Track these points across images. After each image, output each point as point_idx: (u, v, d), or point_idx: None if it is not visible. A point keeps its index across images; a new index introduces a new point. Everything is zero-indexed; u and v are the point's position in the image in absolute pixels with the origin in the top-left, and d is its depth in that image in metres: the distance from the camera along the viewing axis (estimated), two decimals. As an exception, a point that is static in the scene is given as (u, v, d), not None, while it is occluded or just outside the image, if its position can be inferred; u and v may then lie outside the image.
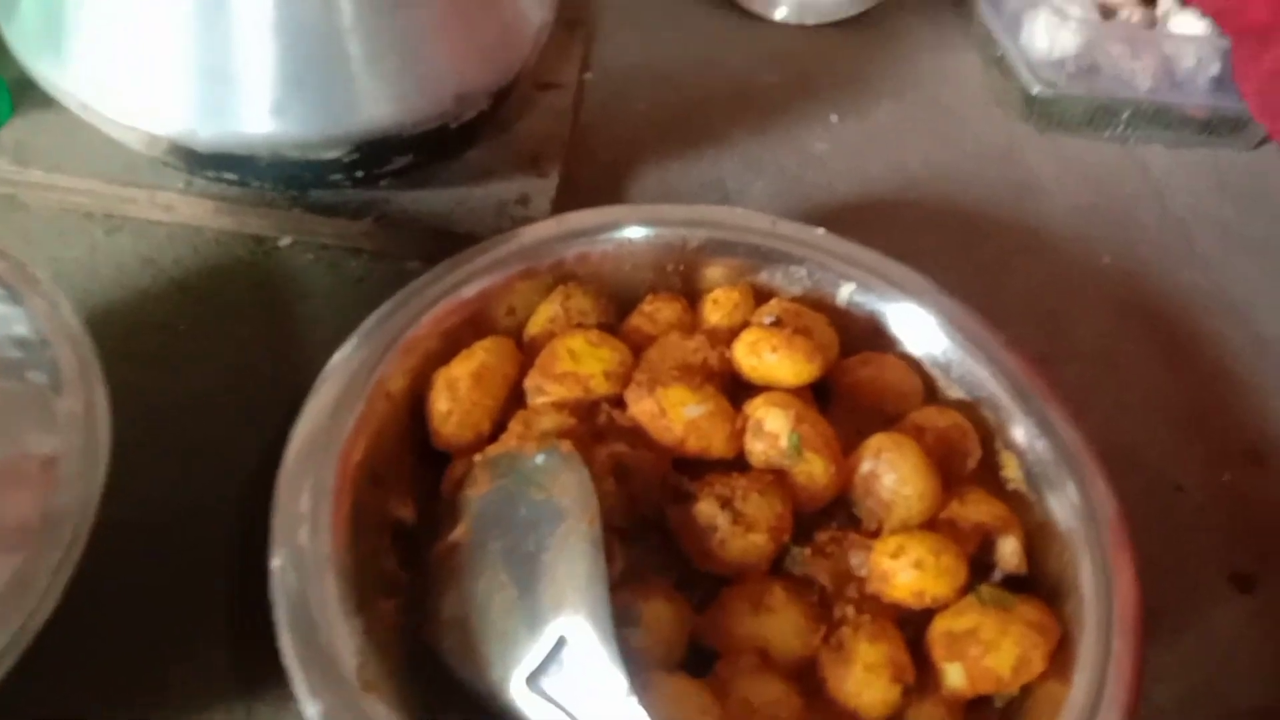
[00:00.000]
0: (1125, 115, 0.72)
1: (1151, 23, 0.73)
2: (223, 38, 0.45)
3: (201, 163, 0.50)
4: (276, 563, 0.37)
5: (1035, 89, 0.70)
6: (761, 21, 0.79)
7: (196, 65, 0.46)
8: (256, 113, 0.46)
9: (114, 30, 0.46)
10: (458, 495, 0.42)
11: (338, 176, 0.52)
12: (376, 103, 0.47)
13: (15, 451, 0.34)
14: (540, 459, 0.40)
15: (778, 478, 0.41)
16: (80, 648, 0.40)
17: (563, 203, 0.60)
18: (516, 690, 0.35)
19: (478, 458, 0.42)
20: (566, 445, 0.40)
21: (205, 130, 0.46)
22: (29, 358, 0.36)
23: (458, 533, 0.40)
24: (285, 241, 0.57)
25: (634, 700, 0.33)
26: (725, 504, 0.39)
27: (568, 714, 0.34)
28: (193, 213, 0.57)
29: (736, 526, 0.39)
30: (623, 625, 0.36)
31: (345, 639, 0.35)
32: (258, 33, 0.45)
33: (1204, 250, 0.67)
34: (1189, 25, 0.71)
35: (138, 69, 0.46)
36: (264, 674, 0.42)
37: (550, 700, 0.35)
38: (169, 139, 0.47)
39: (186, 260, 0.56)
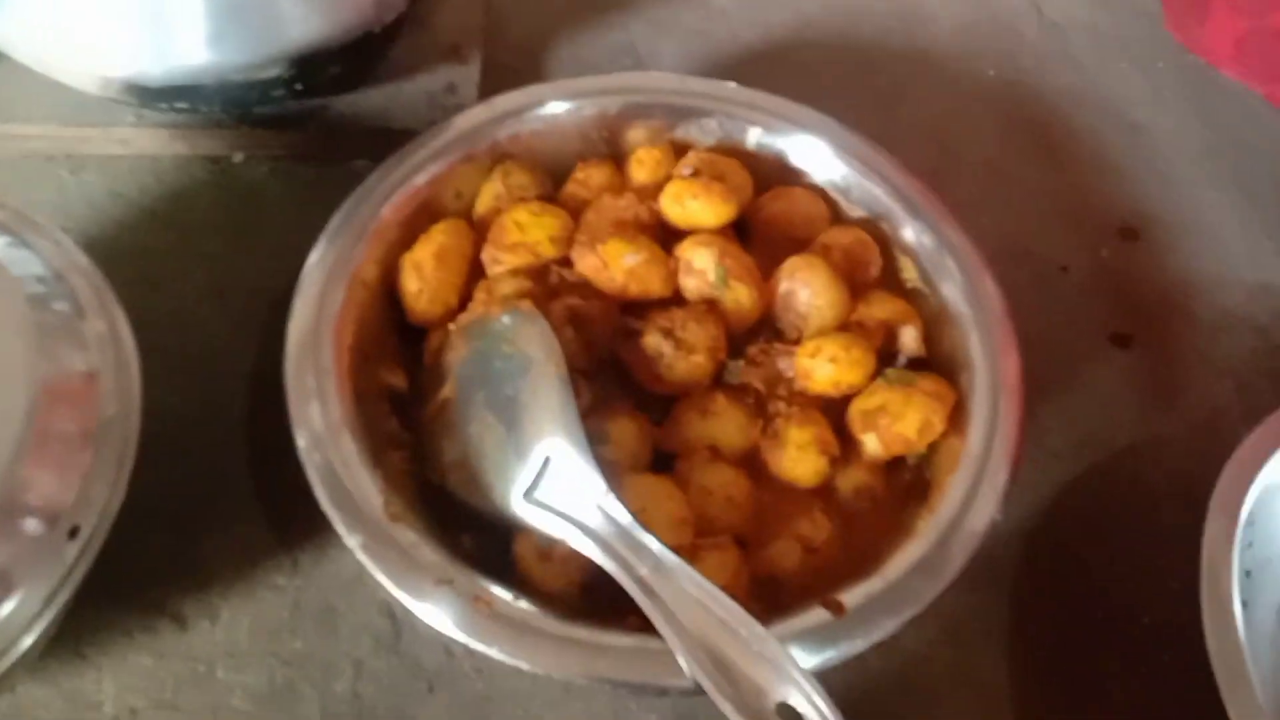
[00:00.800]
0: (999, -67, 0.76)
1: None
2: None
3: (153, 96, 0.54)
4: (299, 430, 0.44)
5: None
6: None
7: (138, 9, 0.50)
8: (198, 45, 0.50)
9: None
10: (440, 361, 0.48)
11: (279, 92, 0.56)
12: (305, 20, 0.52)
13: (60, 370, 0.39)
14: (506, 319, 0.47)
15: (710, 306, 0.48)
16: (136, 537, 0.45)
17: (487, 85, 0.64)
18: (517, 504, 0.42)
19: (452, 326, 0.49)
20: (526, 304, 0.46)
21: (154, 68, 0.51)
22: (50, 291, 0.42)
23: (445, 392, 0.47)
24: (239, 158, 0.62)
25: (611, 497, 0.41)
26: (667, 334, 0.46)
27: (561, 515, 0.42)
28: (148, 143, 0.61)
29: (679, 351, 0.46)
30: (595, 443, 0.43)
31: (368, 484, 0.42)
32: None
33: (1078, 52, 0.73)
34: None
35: (85, 19, 0.50)
36: (299, 529, 0.49)
37: (545, 507, 0.42)
38: (122, 80, 0.51)
39: (151, 188, 0.61)
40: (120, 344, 0.42)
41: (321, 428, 0.44)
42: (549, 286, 0.50)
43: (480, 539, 0.44)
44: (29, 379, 0.38)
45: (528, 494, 0.42)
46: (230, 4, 0.50)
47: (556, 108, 0.56)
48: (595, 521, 0.41)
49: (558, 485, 0.42)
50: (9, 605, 0.36)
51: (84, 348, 0.41)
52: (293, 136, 0.61)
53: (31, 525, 0.37)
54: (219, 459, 0.51)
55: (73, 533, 0.37)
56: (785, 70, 0.70)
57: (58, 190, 0.60)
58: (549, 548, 0.42)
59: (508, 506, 0.43)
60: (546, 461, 0.43)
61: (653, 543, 0.40)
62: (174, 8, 0.49)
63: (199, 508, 0.50)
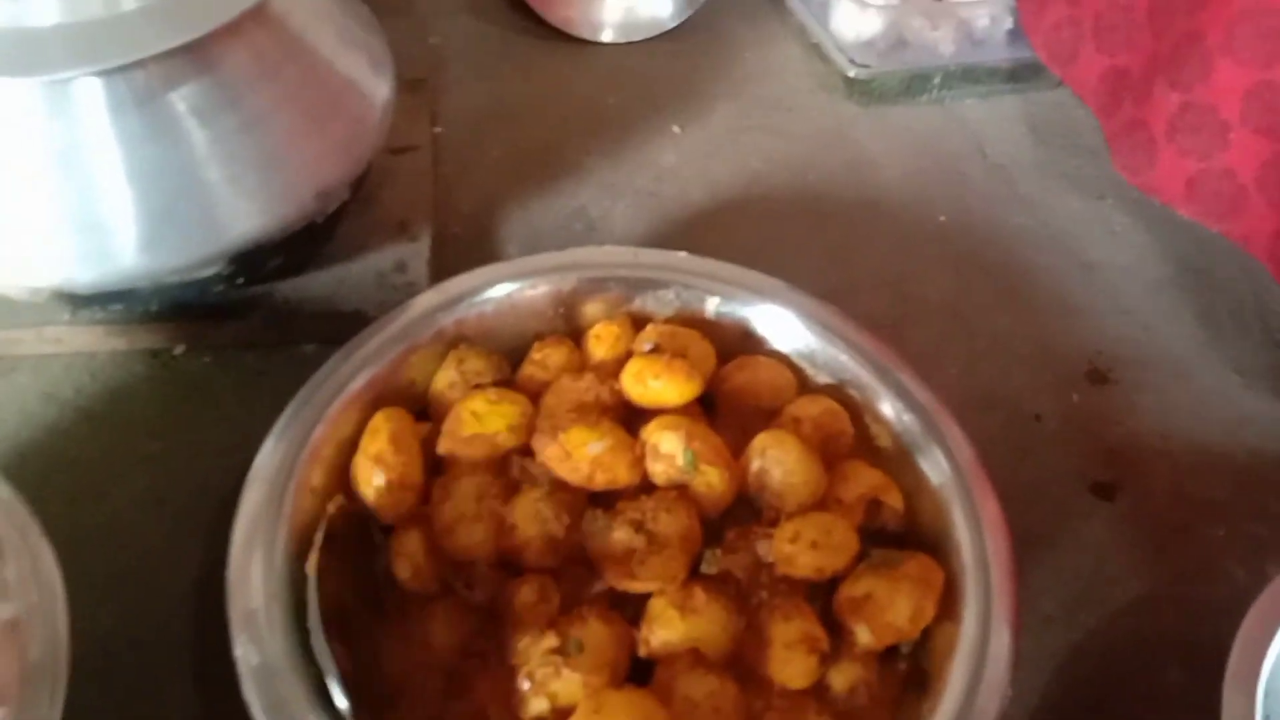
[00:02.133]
0: (937, 80, 0.78)
1: (944, -6, 0.79)
2: (84, 190, 0.47)
3: (86, 301, 0.52)
4: (245, 663, 0.40)
5: (851, 72, 0.76)
6: (590, 45, 0.83)
7: (64, 218, 0.48)
8: (130, 251, 0.48)
9: (-22, 197, 0.48)
10: None
11: (219, 288, 0.55)
12: (243, 218, 0.50)
13: (-23, 623, 0.36)
14: None
15: (681, 493, 0.46)
16: None
17: (438, 261, 0.63)
18: None
19: None
20: None
21: (83, 275, 0.48)
22: (-34, 532, 0.39)
23: None
24: (179, 350, 0.60)
25: None
26: (638, 527, 0.44)
27: None
28: (83, 341, 0.59)
29: (652, 546, 0.43)
30: (568, 653, 0.40)
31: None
32: (116, 180, 0.47)
33: (1026, 191, 0.74)
34: (978, -9, 0.77)
35: (8, 229, 0.48)
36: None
37: None
38: (50, 288, 0.49)
39: (86, 388, 0.58)
40: (44, 583, 0.39)
41: (272, 658, 0.40)
42: (511, 480, 0.47)
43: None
44: (-61, 641, 0.35)
45: None
46: (162, 208, 0.48)
47: (509, 288, 0.55)
48: None
49: None
50: None
51: (4, 595, 0.37)
52: (236, 326, 0.59)
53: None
54: (161, 683, 0.48)
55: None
56: (737, 227, 0.69)
57: (-14, 397, 0.57)
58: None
59: None
60: None
61: None
62: (103, 215, 0.47)
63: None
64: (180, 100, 0.48)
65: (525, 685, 0.41)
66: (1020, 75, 0.80)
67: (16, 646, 0.36)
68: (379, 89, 0.57)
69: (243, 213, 0.50)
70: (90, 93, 0.47)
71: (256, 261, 0.53)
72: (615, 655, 0.42)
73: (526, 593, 0.44)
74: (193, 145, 0.48)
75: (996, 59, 0.79)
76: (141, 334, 0.59)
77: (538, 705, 0.41)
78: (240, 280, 0.54)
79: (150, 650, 0.48)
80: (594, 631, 0.42)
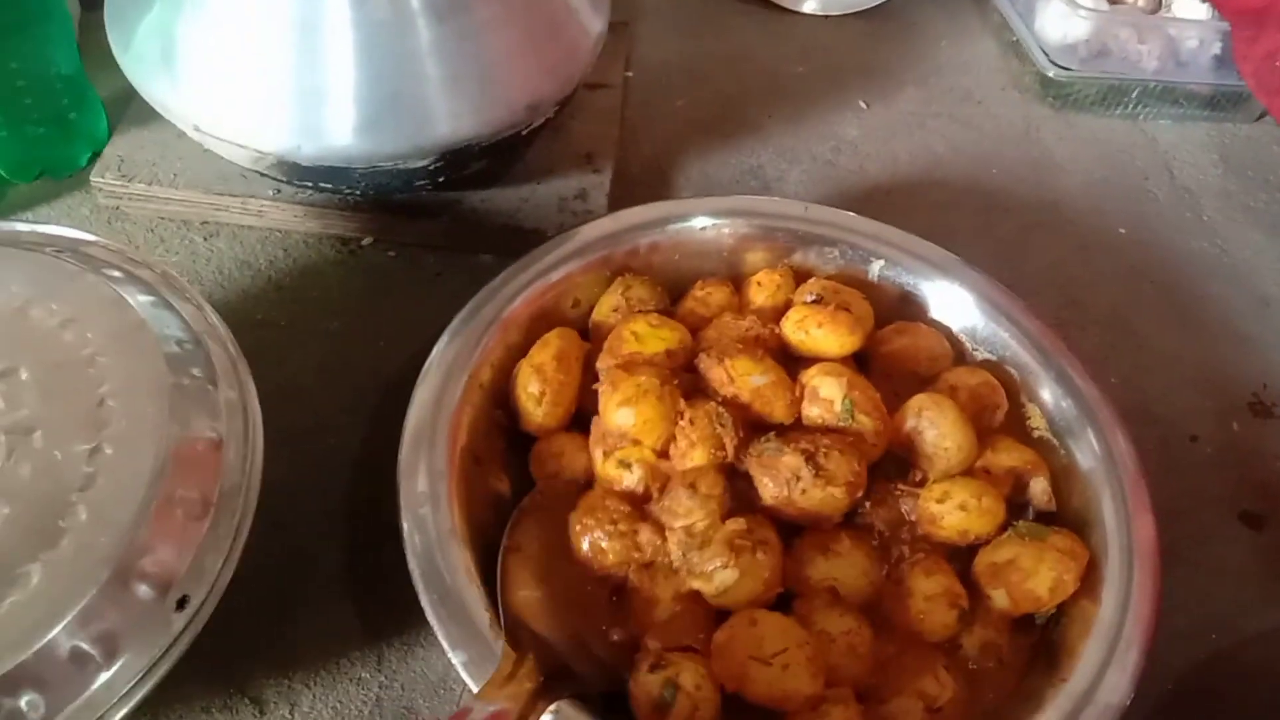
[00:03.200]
0: (1134, 94, 0.76)
1: (1156, 8, 0.77)
2: (319, 68, 0.51)
3: (302, 175, 0.56)
4: (409, 534, 0.43)
5: (1051, 72, 0.75)
6: (788, 15, 0.84)
7: (298, 91, 0.51)
8: (353, 130, 0.51)
9: (223, 61, 0.52)
10: None
11: (422, 183, 0.58)
12: (459, 117, 0.53)
13: (189, 435, 0.39)
14: None
15: (853, 439, 0.46)
16: (223, 608, 0.45)
17: (615, 195, 0.65)
18: None
19: None
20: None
21: (308, 147, 0.52)
22: (187, 354, 0.42)
23: None
24: (367, 241, 0.63)
25: None
26: (809, 458, 0.44)
27: None
28: (282, 217, 0.63)
29: (818, 479, 0.44)
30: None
31: (475, 599, 0.41)
32: (350, 61, 0.51)
33: (1210, 218, 0.72)
34: (1191, 9, 0.75)
35: (246, 95, 0.52)
36: (388, 625, 0.48)
37: None
38: (275, 155, 0.53)
39: (279, 261, 0.62)
40: (248, 414, 0.42)
41: (433, 534, 0.43)
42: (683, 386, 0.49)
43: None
44: (159, 441, 0.38)
45: None
46: (389, 94, 0.51)
47: (680, 225, 0.57)
48: None
49: None
50: (110, 670, 0.35)
51: (214, 415, 0.41)
52: (424, 225, 0.62)
53: (143, 591, 0.36)
54: (314, 538, 0.51)
55: (181, 603, 0.37)
56: (911, 207, 0.70)
57: (190, 254, 0.62)
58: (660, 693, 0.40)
59: None
60: None
61: None
62: (336, 90, 0.51)
63: (289, 586, 0.49)
64: (420, -5, 0.51)
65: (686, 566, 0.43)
66: (1219, 103, 0.78)
67: (220, 464, 0.40)
68: (594, 22, 0.59)
69: (460, 110, 0.52)
70: (339, -25, 0.50)
71: (462, 161, 0.56)
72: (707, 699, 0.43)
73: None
74: (424, 40, 0.51)
75: (1198, 82, 0.77)
76: (336, 220, 0.62)
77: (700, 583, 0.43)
78: (442, 179, 0.57)
79: (311, 500, 0.52)
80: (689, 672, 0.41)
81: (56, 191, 0.64)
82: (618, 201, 0.64)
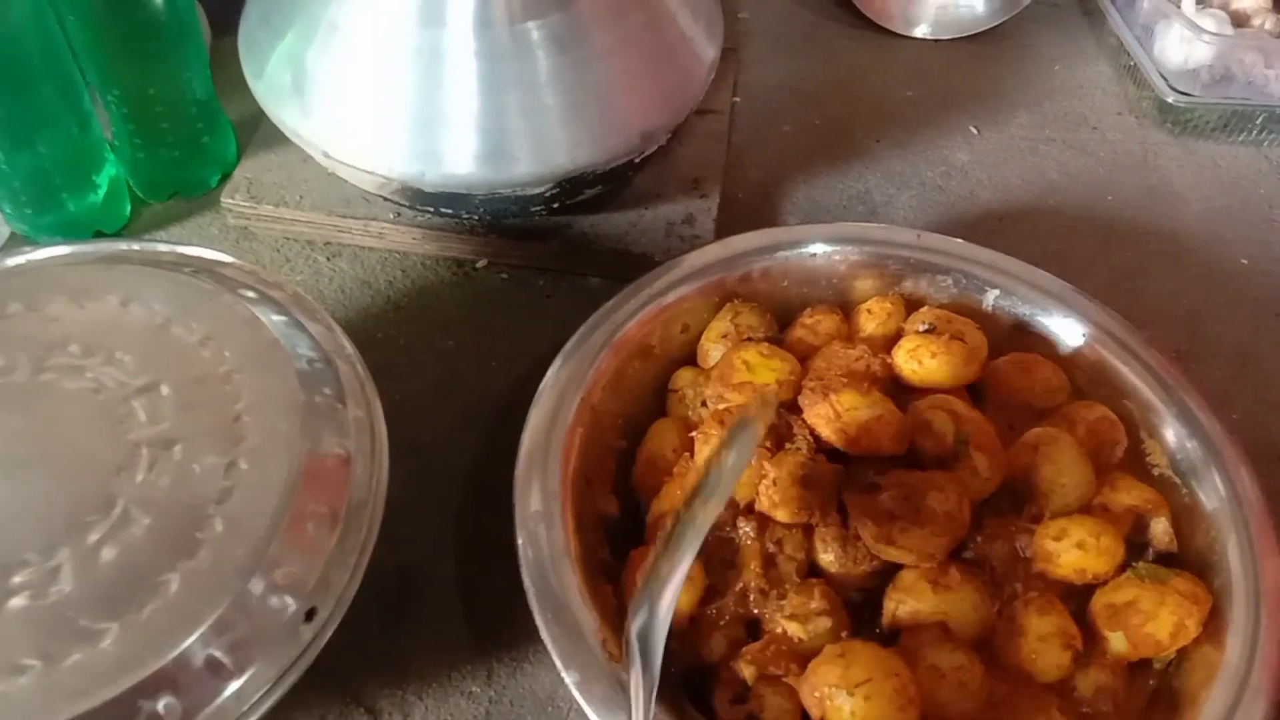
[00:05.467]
0: (1259, 120, 0.74)
1: (1284, 30, 0.75)
2: (443, 97, 0.52)
3: (424, 200, 0.57)
4: (524, 551, 0.44)
5: (1170, 98, 0.73)
6: (897, 38, 0.84)
7: (422, 119, 0.53)
8: (474, 158, 0.53)
9: (352, 90, 0.54)
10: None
11: (537, 208, 0.59)
12: (577, 146, 0.54)
13: (320, 451, 0.41)
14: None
15: (954, 476, 0.46)
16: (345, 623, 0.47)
17: (722, 220, 0.65)
18: None
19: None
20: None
21: (431, 174, 0.53)
22: (318, 373, 0.44)
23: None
24: (481, 263, 0.65)
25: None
26: (907, 497, 0.44)
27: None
28: (400, 240, 0.65)
29: (918, 518, 0.44)
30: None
31: (587, 619, 0.42)
32: (472, 92, 0.52)
33: (1340, 248, 0.69)
34: (1323, 32, 0.73)
35: (374, 123, 0.54)
36: (497, 641, 0.49)
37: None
38: (400, 181, 0.55)
39: (398, 282, 0.64)
40: (374, 432, 0.44)
41: (546, 552, 0.44)
42: (777, 433, 0.49)
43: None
44: (291, 457, 0.40)
45: None
46: (509, 124, 0.53)
47: (790, 252, 0.57)
48: None
49: None
50: (241, 679, 0.36)
51: (343, 432, 0.42)
52: (536, 248, 0.63)
53: (274, 602, 0.37)
54: (428, 552, 0.52)
55: (309, 615, 0.38)
56: (1023, 235, 0.69)
57: (314, 273, 0.64)
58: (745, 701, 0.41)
59: None
60: None
61: None
62: (459, 119, 0.52)
63: (404, 598, 0.50)
64: (540, 27, 0.52)
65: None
66: (1350, 129, 0.75)
67: (348, 480, 0.41)
68: (708, 50, 0.60)
69: (578, 139, 0.54)
70: (464, 7, 0.51)
71: (577, 188, 0.57)
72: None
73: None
74: (544, 70, 0.52)
75: (1329, 107, 0.74)
76: (452, 243, 0.64)
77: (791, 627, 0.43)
78: (556, 205, 0.58)
79: (426, 516, 0.53)
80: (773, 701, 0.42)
81: (188, 211, 0.67)
82: (724, 227, 0.64)
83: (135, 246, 0.51)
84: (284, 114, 0.56)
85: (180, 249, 0.51)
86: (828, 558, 0.46)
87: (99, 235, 0.64)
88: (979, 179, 0.72)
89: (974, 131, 0.76)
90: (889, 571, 0.45)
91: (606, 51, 0.53)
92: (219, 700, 0.36)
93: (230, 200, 0.65)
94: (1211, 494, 0.47)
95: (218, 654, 0.36)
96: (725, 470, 0.40)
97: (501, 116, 0.52)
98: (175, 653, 0.36)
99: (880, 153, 0.74)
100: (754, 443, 0.42)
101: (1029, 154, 0.75)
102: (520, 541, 0.44)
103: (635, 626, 0.37)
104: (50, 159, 0.59)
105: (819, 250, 0.56)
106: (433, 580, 0.51)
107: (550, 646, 0.41)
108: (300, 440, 0.40)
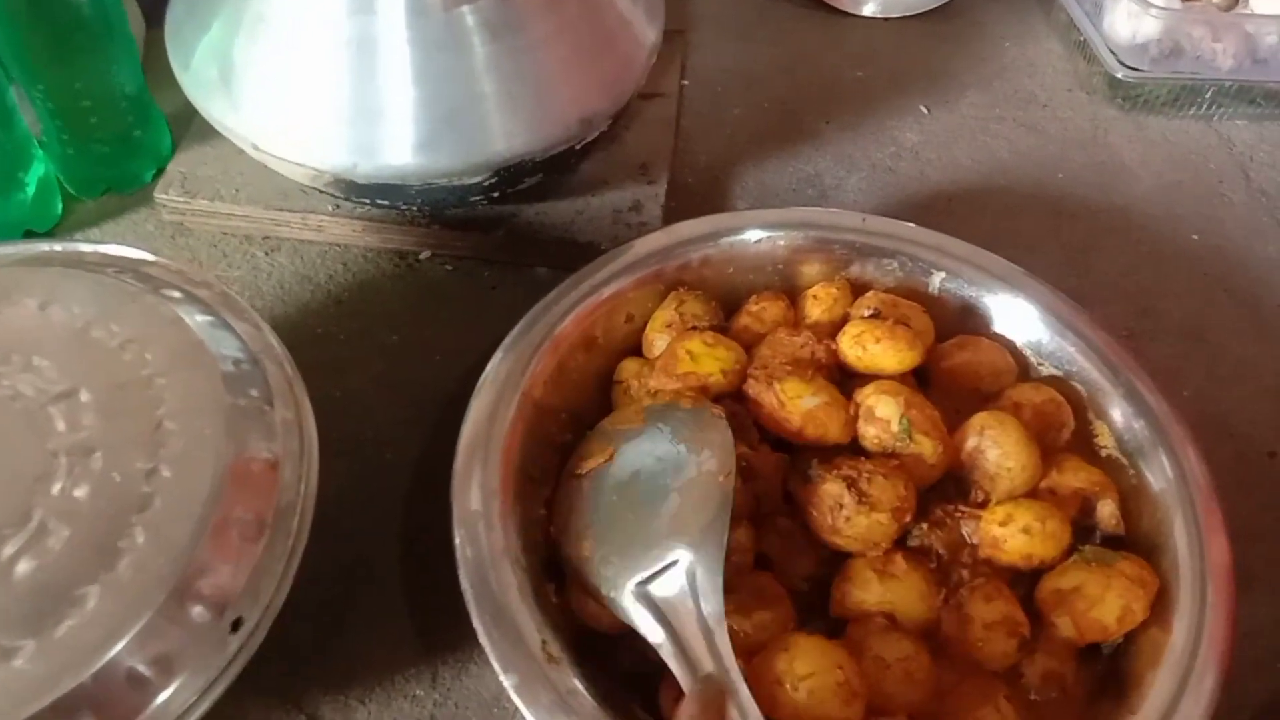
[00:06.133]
0: (1208, 94, 0.74)
1: (1232, 4, 0.75)
2: (375, 87, 0.51)
3: (358, 192, 0.56)
4: (461, 552, 0.43)
5: (1120, 74, 0.73)
6: (847, 18, 0.82)
7: (353, 110, 0.51)
8: (408, 148, 0.52)
9: (280, 82, 0.52)
10: (609, 428, 0.48)
11: (476, 198, 0.58)
12: (513, 134, 0.52)
13: (246, 456, 0.40)
14: (690, 412, 0.46)
15: (900, 462, 0.45)
16: (280, 621, 0.45)
17: (670, 206, 0.65)
18: (625, 591, 0.41)
19: (641, 404, 0.48)
20: (717, 409, 0.45)
21: (364, 165, 0.52)
22: (244, 374, 0.42)
23: (600, 457, 0.46)
24: (425, 255, 0.63)
25: (724, 631, 0.39)
26: (851, 484, 0.44)
27: (663, 622, 0.40)
28: (341, 232, 0.63)
29: (861, 505, 0.43)
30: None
31: (527, 620, 0.41)
32: (407, 80, 0.51)
33: (1291, 222, 0.69)
34: (1271, 5, 0.72)
35: (303, 115, 0.52)
36: (442, 641, 0.48)
37: (652, 606, 0.41)
38: (331, 173, 0.53)
39: (339, 276, 0.62)
40: (303, 434, 0.42)
41: (485, 553, 0.43)
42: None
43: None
44: (216, 462, 0.39)
45: (639, 585, 0.41)
46: (444, 113, 0.51)
47: (734, 238, 0.56)
48: (695, 645, 0.39)
49: (672, 592, 0.41)
50: (166, 693, 0.35)
51: (270, 436, 0.41)
52: (479, 239, 0.62)
53: (198, 613, 0.36)
54: (370, 551, 0.51)
55: (235, 625, 0.37)
56: (973, 214, 0.68)
57: (252, 269, 0.63)
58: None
59: (615, 589, 0.42)
60: (673, 564, 0.41)
61: (744, 692, 0.38)
62: (391, 110, 0.51)
63: (345, 599, 0.49)
64: (474, 14, 0.51)
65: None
66: (1300, 102, 0.75)
67: (275, 485, 0.40)
68: (648, 33, 0.59)
69: (514, 127, 0.52)
70: (395, -4, 0.50)
71: (516, 177, 0.56)
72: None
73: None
74: (479, 58, 0.51)
75: (1278, 81, 0.74)
76: (394, 234, 0.63)
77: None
78: (496, 194, 0.57)
79: (368, 513, 0.52)
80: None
81: (121, 208, 0.66)
82: (673, 213, 0.64)
83: (57, 247, 0.49)
84: (212, 107, 0.55)
85: (104, 249, 0.49)
86: (774, 549, 0.45)
87: (29, 235, 0.62)
88: (929, 159, 0.72)
89: (924, 111, 0.75)
90: (837, 560, 0.45)
91: (543, 39, 0.52)
92: (143, 715, 0.35)
93: (164, 196, 0.63)
94: (1159, 474, 0.47)
95: (140, 668, 0.35)
96: None
97: (435, 105, 0.51)
98: (95, 668, 0.34)
99: (830, 135, 0.73)
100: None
101: (979, 133, 0.74)
102: (458, 541, 0.43)
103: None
104: (-27, 157, 0.58)
105: (763, 235, 0.56)
106: (375, 579, 0.50)
107: (489, 650, 0.40)
108: (225, 444, 0.39)
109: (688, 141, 0.71)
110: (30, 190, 0.62)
